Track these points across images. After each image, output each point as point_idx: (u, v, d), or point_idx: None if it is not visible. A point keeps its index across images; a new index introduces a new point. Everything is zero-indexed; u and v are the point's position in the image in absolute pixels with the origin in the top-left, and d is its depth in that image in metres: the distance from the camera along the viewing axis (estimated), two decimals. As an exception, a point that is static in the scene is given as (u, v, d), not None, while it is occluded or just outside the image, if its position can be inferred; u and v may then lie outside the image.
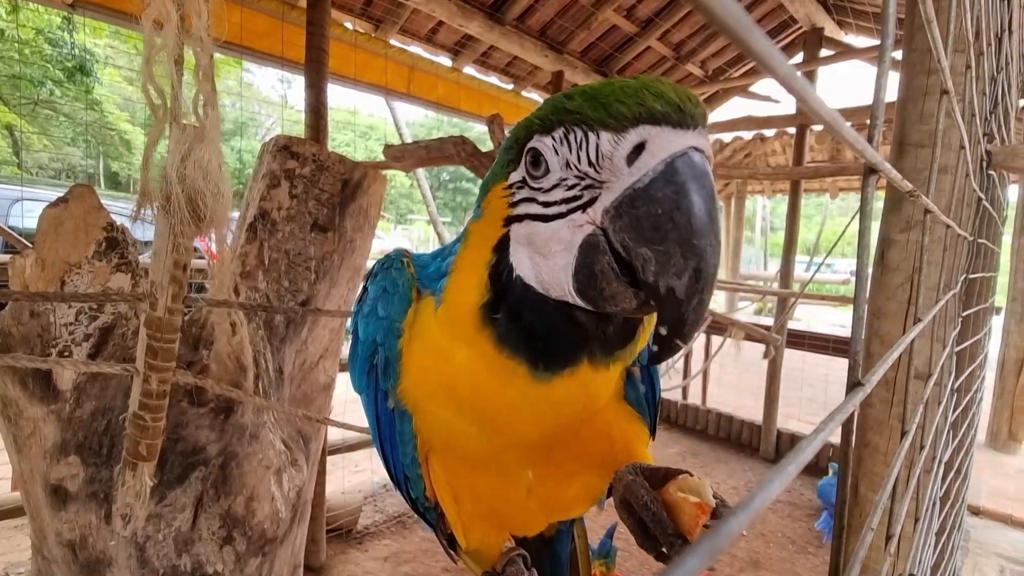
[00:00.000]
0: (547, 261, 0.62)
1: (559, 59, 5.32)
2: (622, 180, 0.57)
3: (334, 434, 3.68)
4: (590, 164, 0.59)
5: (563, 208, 0.61)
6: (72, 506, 1.68)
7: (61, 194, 1.72)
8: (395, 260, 0.82)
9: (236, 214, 2.33)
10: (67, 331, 1.71)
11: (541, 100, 5.96)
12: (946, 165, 0.79)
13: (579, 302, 0.61)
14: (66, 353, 1.69)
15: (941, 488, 1.49)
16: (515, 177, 0.65)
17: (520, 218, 0.64)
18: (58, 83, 14.38)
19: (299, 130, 3.23)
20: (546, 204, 0.63)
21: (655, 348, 0.59)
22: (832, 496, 4.57)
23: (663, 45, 5.78)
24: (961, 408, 2.03)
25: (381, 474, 4.75)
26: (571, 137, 0.60)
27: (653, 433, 0.91)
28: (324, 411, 2.57)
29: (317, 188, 2.31)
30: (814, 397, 7.22)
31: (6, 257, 4.13)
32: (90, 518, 1.69)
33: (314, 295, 2.31)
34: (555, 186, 0.62)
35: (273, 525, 2.02)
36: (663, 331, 0.57)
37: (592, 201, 0.60)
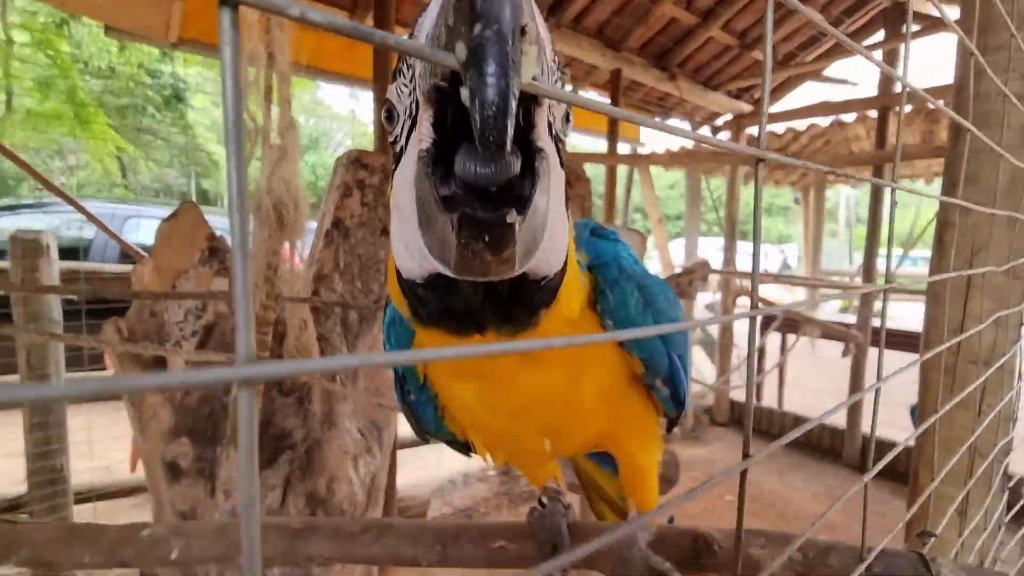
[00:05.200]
0: (408, 228, 0.51)
1: (617, 57, 5.29)
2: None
3: (404, 429, 3.87)
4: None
5: (404, 142, 0.52)
6: (184, 480, 1.93)
7: (162, 212, 1.99)
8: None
9: (314, 224, 2.55)
10: (178, 328, 1.96)
11: (599, 99, 5.97)
12: (1006, 144, 0.76)
13: (436, 265, 0.49)
14: (178, 347, 1.93)
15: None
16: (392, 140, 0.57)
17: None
18: (158, 109, 16.01)
19: (367, 142, 3.44)
20: (398, 157, 0.54)
21: None
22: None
23: (726, 34, 5.60)
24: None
25: (448, 468, 4.93)
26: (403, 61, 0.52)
27: (672, 423, 0.92)
28: (395, 404, 2.74)
29: (385, 196, 2.47)
30: (903, 400, 6.68)
31: (122, 267, 4.72)
32: (198, 492, 1.93)
33: (384, 295, 2.48)
34: (400, 123, 0.53)
35: (351, 506, 2.19)
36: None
37: (417, 103, 0.49)
